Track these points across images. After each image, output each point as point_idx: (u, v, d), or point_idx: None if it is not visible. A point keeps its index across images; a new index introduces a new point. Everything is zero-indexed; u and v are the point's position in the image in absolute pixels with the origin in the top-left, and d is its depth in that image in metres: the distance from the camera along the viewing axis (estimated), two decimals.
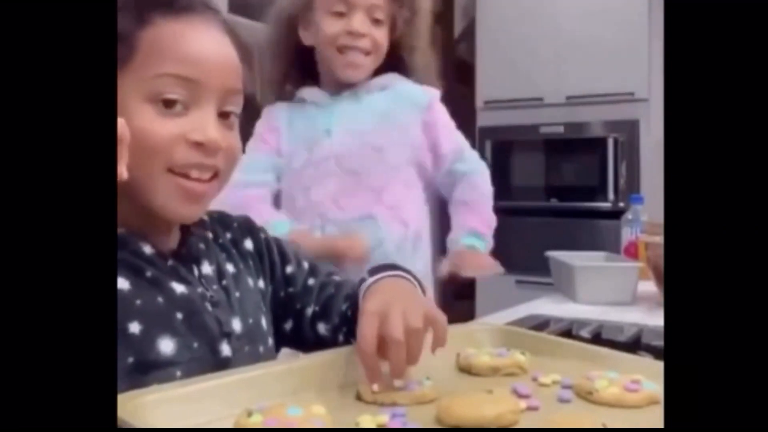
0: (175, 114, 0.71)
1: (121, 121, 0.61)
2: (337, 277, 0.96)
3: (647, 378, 0.69)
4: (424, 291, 0.84)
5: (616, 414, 0.65)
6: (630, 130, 3.04)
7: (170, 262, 0.76)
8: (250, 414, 0.59)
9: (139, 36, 0.71)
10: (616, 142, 3.05)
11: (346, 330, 0.87)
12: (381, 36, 1.37)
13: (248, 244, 0.90)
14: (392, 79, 1.43)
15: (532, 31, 3.26)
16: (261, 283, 0.89)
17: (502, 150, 3.31)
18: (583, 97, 3.14)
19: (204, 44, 0.73)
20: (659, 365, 0.72)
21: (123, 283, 0.71)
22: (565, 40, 3.18)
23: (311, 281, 0.94)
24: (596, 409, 0.66)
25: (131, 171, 0.69)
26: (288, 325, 0.92)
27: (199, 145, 0.72)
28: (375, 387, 0.68)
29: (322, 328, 0.90)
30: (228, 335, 0.77)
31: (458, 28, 4.94)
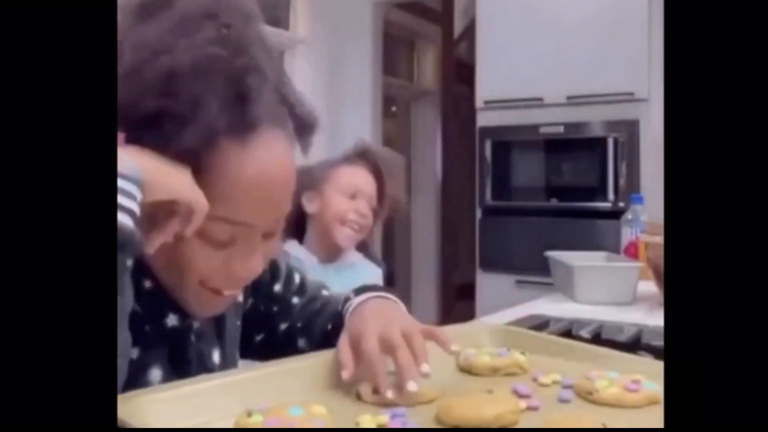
0: (222, 245, 0.69)
1: (202, 197, 0.63)
2: (326, 292, 0.96)
3: (647, 378, 0.69)
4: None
5: (616, 414, 0.65)
6: (630, 130, 3.04)
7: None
8: (250, 414, 0.59)
9: (206, 158, 0.65)
10: (616, 142, 3.04)
11: (325, 348, 0.87)
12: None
13: None
14: (359, 258, 1.67)
15: (532, 32, 3.25)
16: (240, 297, 0.88)
17: (502, 150, 3.30)
18: (583, 97, 3.13)
19: (264, 173, 0.68)
20: (659, 365, 0.72)
21: (137, 307, 0.71)
22: (565, 40, 3.18)
23: (295, 300, 0.94)
24: (596, 409, 0.66)
25: (164, 277, 0.72)
26: (259, 338, 0.93)
27: (239, 278, 0.72)
28: (389, 394, 0.66)
29: (302, 343, 0.91)
30: (207, 368, 0.78)
31: (458, 28, 4.94)
